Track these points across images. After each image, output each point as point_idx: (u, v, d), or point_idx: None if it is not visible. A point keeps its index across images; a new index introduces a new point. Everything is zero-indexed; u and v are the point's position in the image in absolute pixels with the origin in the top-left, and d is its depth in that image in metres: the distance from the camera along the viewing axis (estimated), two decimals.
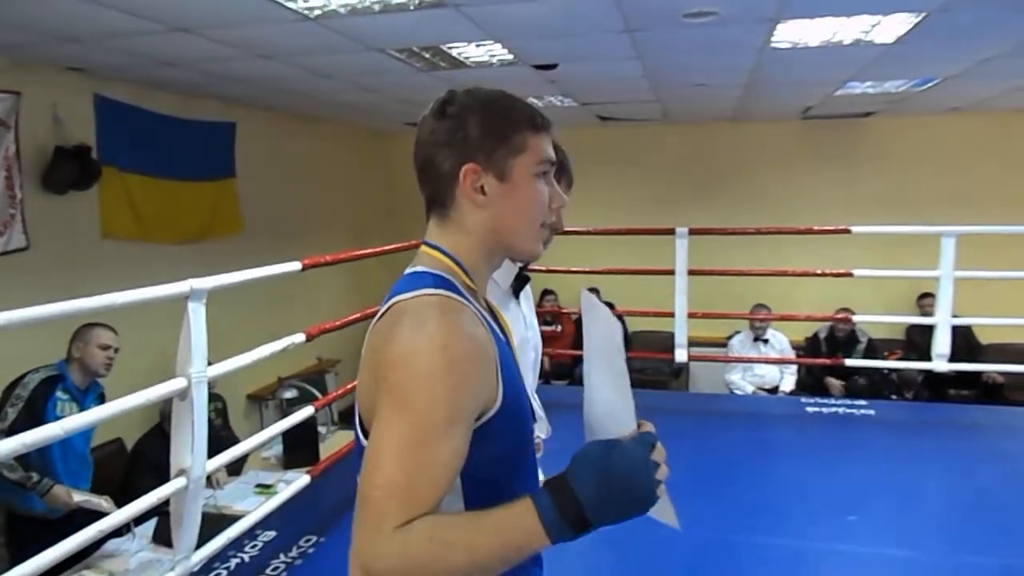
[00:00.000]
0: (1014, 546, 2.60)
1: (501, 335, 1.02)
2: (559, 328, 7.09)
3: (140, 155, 4.63)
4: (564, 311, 6.80)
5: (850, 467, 3.40)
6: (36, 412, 2.93)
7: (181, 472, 2.27)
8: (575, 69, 4.23)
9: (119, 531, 2.88)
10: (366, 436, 0.90)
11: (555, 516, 0.80)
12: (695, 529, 2.70)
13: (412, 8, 2.87)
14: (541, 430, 1.52)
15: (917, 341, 5.64)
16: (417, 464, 0.82)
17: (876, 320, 5.83)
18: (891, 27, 3.29)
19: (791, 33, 3.35)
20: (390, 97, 5.09)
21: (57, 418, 2.79)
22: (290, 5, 2.86)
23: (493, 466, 0.93)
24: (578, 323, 6.93)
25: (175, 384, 2.22)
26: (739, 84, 4.70)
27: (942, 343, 4.12)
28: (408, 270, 1.01)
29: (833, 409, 4.28)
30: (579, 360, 6.37)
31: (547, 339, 7.42)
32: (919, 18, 3.16)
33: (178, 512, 2.30)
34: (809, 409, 4.30)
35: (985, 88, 5.12)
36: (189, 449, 2.26)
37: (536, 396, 1.59)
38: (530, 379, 1.57)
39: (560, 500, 0.81)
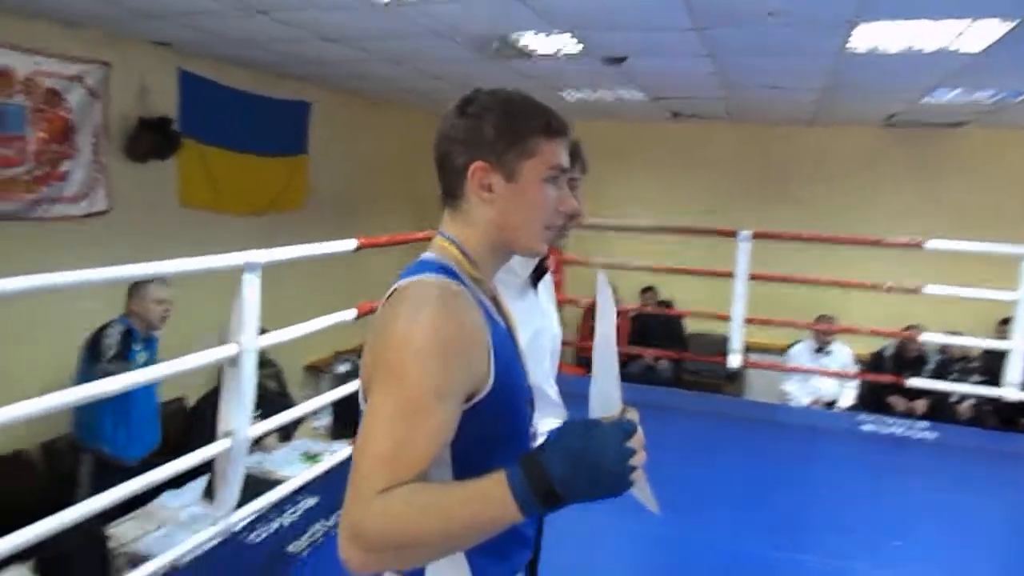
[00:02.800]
0: None
1: (502, 323, 1.07)
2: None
3: (218, 128, 4.83)
4: (619, 307, 6.75)
5: (902, 490, 3.27)
6: (124, 359, 3.19)
7: (227, 433, 2.38)
8: (645, 63, 4.18)
9: (175, 485, 3.07)
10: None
11: (526, 490, 0.82)
12: (732, 541, 2.69)
13: None
14: (557, 416, 1.54)
15: (992, 367, 5.36)
16: (403, 434, 0.87)
17: (948, 341, 5.54)
18: (979, 34, 3.13)
19: (869, 37, 3.22)
20: (456, 84, 5.14)
21: (140, 366, 3.07)
22: None
23: (483, 446, 0.97)
24: (634, 320, 6.88)
25: (226, 350, 2.33)
26: (814, 88, 4.55)
27: (1015, 370, 3.92)
28: (420, 256, 1.06)
29: (891, 429, 4.12)
30: (633, 357, 6.40)
31: None
32: (1012, 25, 2.99)
33: (222, 471, 2.42)
34: (866, 427, 4.15)
35: None
36: (235, 412, 2.37)
37: (554, 383, 1.60)
38: (546, 367, 1.58)
39: (531, 475, 0.83)
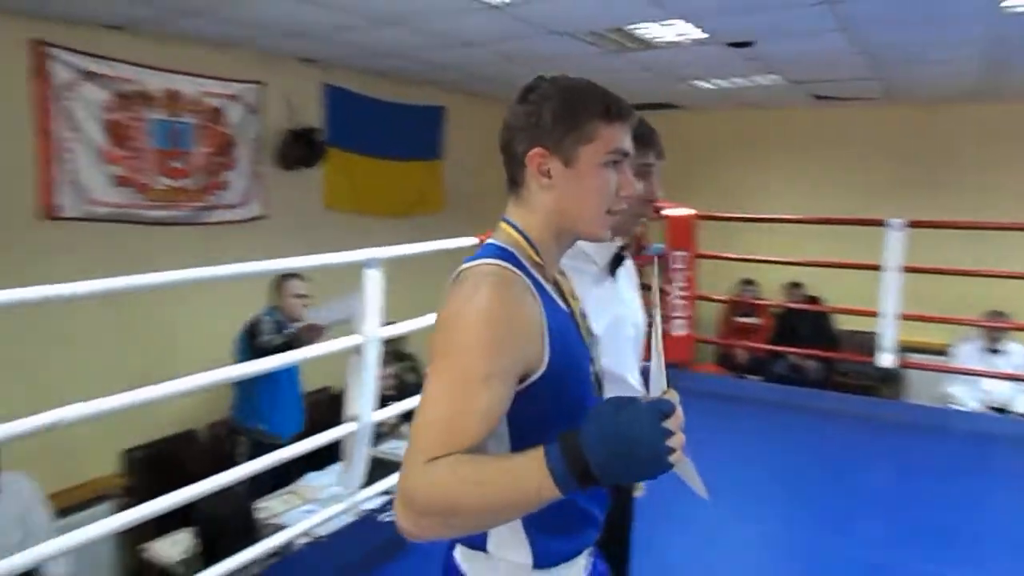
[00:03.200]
0: None
1: (564, 307, 1.08)
2: (757, 320, 6.75)
3: (360, 136, 5.17)
4: (763, 302, 6.45)
5: None
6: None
7: (352, 418, 2.56)
8: (775, 46, 3.97)
9: (319, 467, 3.35)
10: None
11: (564, 469, 0.83)
12: (883, 554, 2.54)
13: None
14: None
15: None
16: (457, 407, 0.91)
17: None
18: None
19: None
20: None
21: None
22: None
23: (541, 424, 0.99)
24: (779, 317, 6.54)
25: (352, 340, 2.51)
26: (973, 58, 4.10)
27: None
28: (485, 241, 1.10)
29: None
30: (778, 356, 6.09)
31: (743, 331, 7.11)
32: None
33: (349, 453, 2.60)
34: None
35: None
36: (360, 398, 2.54)
37: (637, 371, 1.58)
38: (628, 354, 1.56)
39: (569, 455, 0.84)
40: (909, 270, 4.07)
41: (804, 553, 2.56)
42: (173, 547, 3.06)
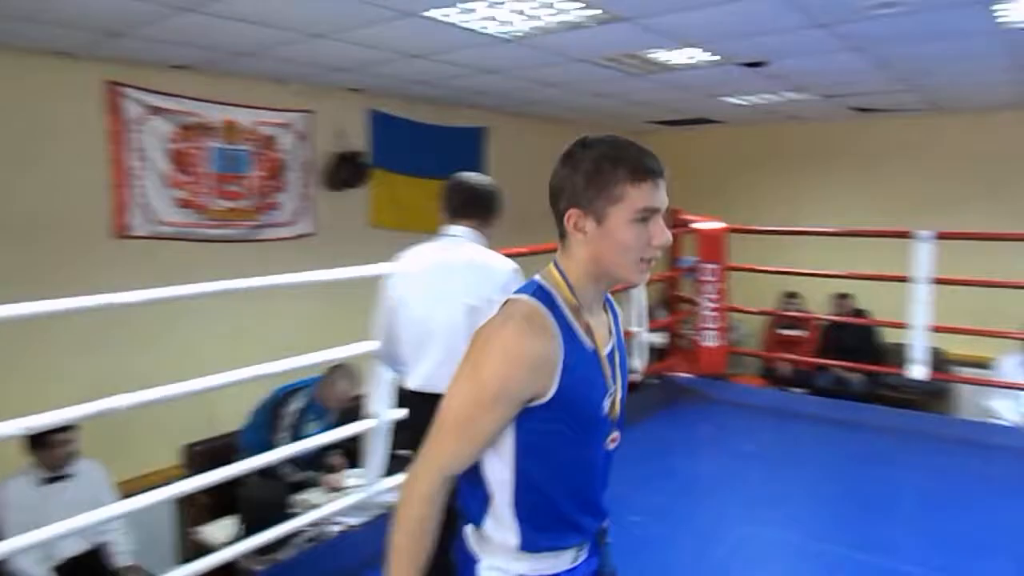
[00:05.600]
0: None
1: (589, 344, 1.23)
2: (804, 333, 6.73)
3: (403, 157, 5.52)
4: (808, 315, 6.45)
5: None
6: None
7: (372, 416, 2.85)
8: (790, 64, 4.08)
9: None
10: None
11: None
12: (899, 563, 2.60)
13: (593, 25, 3.12)
14: None
15: None
16: (470, 416, 1.17)
17: None
18: None
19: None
20: (621, 100, 5.35)
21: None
22: (489, 32, 3.30)
23: (545, 440, 1.21)
24: (825, 329, 6.51)
25: (367, 346, 2.79)
26: (992, 68, 4.10)
27: None
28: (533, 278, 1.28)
29: None
30: (822, 368, 6.05)
31: (789, 344, 7.08)
32: None
33: (367, 447, 2.89)
34: None
35: None
36: (377, 399, 2.83)
37: None
38: None
39: None
40: (939, 282, 4.08)
41: (833, 565, 2.61)
42: (220, 531, 3.42)
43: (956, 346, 5.65)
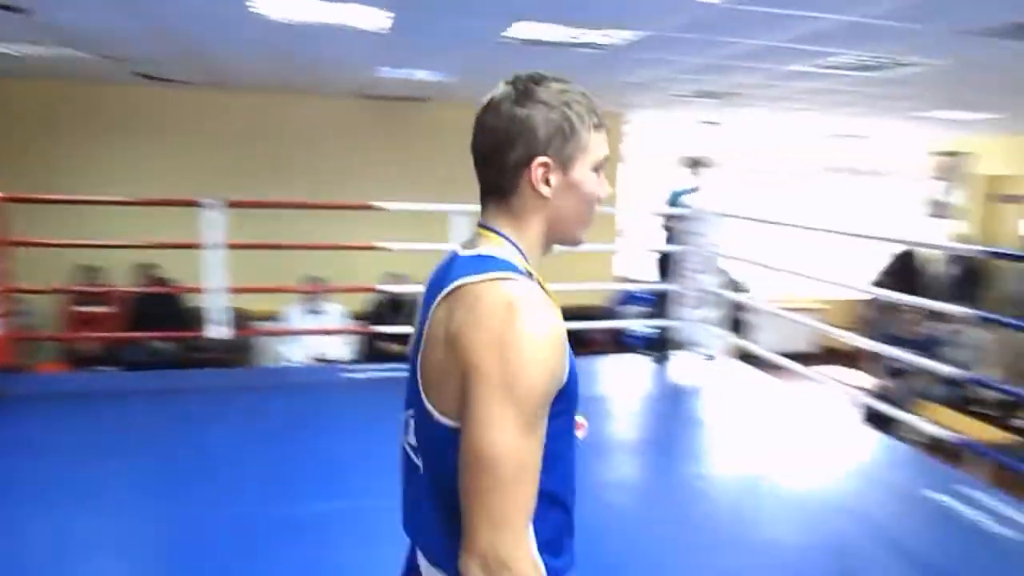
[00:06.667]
0: None
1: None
2: (108, 308, 6.40)
3: None
4: (108, 288, 6.14)
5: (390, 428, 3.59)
6: None
7: None
8: (62, 15, 3.72)
9: None
10: (431, 404, 0.99)
11: None
12: (231, 506, 2.67)
13: None
14: None
15: None
16: (531, 446, 0.92)
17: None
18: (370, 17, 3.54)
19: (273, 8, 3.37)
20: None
21: None
22: None
23: (554, 440, 0.98)
24: (132, 301, 6.32)
25: None
26: (261, 57, 4.64)
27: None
28: (466, 251, 1.05)
29: (375, 374, 4.51)
30: (133, 342, 5.85)
31: (92, 321, 6.59)
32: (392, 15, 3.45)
33: None
34: (359, 375, 4.49)
35: None
36: None
37: None
38: None
39: None
40: (231, 246, 4.38)
41: (186, 526, 2.57)
42: None
43: (255, 303, 6.26)
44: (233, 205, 4.34)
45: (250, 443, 3.40)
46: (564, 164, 1.04)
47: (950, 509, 2.88)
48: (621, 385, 4.62)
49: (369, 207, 4.61)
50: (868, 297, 7.27)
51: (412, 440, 1.06)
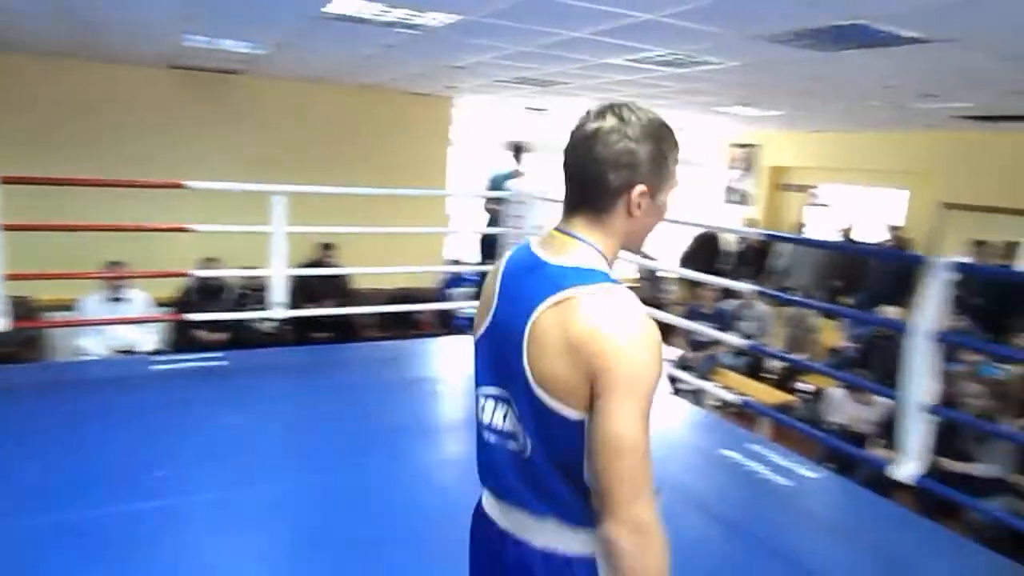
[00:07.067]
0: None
1: None
2: None
3: None
4: None
5: (194, 421, 3.40)
6: None
7: None
8: None
9: None
10: (555, 401, 1.13)
11: None
12: (48, 514, 2.43)
13: None
14: None
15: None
16: (645, 433, 1.11)
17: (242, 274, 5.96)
18: None
19: None
20: None
21: None
22: None
23: None
24: None
25: None
26: (47, 14, 4.15)
27: (279, 292, 4.41)
28: (557, 259, 1.18)
29: (186, 364, 4.23)
30: None
31: None
32: None
33: None
34: (159, 367, 4.18)
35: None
36: None
37: None
38: None
39: None
40: (10, 228, 3.87)
41: None
42: None
43: (46, 292, 5.62)
44: (7, 181, 3.83)
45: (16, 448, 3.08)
46: (655, 190, 1.19)
47: (739, 464, 3.26)
48: (450, 366, 4.68)
49: (179, 186, 4.26)
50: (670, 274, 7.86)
51: (507, 427, 1.22)
